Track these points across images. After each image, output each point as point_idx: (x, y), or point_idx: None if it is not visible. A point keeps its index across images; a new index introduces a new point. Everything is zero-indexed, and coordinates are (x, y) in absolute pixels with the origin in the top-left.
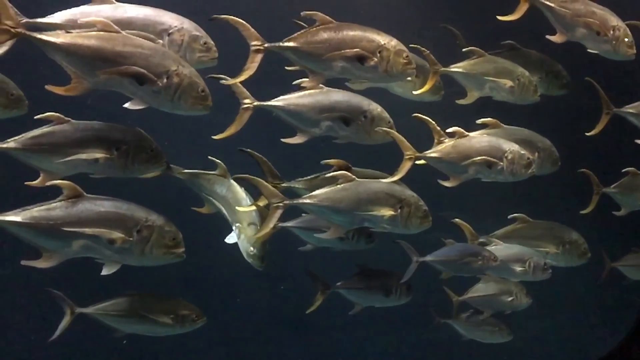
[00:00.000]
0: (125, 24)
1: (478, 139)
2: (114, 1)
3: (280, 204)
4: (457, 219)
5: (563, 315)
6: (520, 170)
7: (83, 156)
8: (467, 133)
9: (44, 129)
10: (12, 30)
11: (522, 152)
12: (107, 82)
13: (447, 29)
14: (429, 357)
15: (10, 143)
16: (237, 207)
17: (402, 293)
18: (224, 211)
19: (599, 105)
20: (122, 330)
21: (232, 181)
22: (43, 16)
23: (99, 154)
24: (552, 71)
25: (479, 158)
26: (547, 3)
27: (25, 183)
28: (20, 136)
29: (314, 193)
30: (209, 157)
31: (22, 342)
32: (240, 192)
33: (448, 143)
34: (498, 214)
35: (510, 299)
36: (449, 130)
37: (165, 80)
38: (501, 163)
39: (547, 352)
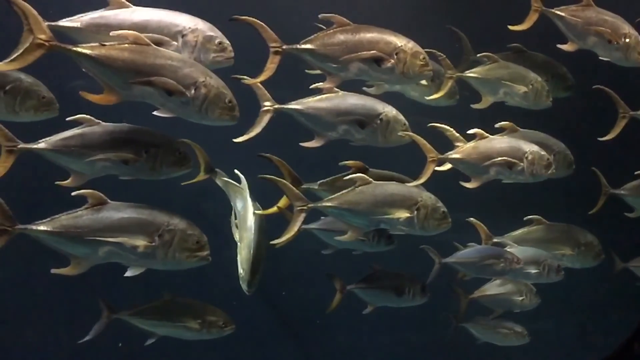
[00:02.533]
0: (141, 27)
1: (498, 140)
2: (130, 5)
3: (305, 207)
4: (472, 219)
5: (565, 316)
6: (540, 171)
7: (112, 156)
8: (487, 134)
9: (75, 131)
10: (47, 43)
11: (542, 152)
12: (137, 93)
13: (453, 31)
14: (430, 357)
15: (41, 144)
16: (256, 211)
17: (416, 294)
18: (234, 225)
19: (600, 107)
20: (155, 333)
21: (248, 199)
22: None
23: (128, 156)
24: (557, 73)
25: (499, 159)
26: (558, 12)
27: (56, 183)
28: (51, 137)
29: (333, 196)
30: (235, 170)
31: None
32: (250, 213)
33: (469, 144)
34: (504, 216)
35: (520, 298)
36: (470, 131)
37: (193, 92)
38: (521, 164)
39: (551, 352)
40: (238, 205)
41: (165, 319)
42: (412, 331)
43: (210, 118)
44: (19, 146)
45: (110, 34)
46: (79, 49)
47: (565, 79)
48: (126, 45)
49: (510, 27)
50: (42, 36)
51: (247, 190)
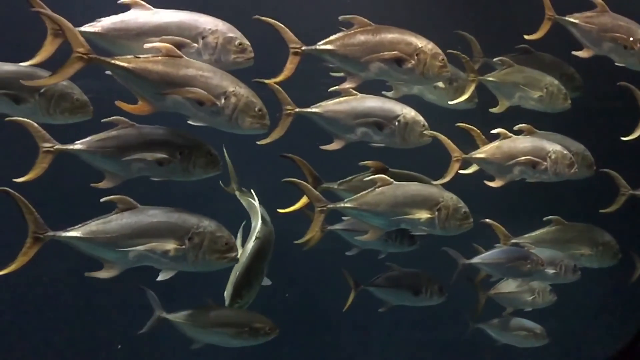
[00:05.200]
0: (162, 30)
1: (521, 139)
2: (151, 7)
3: (324, 208)
4: (487, 220)
5: (569, 315)
6: (563, 170)
7: (148, 156)
8: (510, 134)
9: (110, 132)
10: (85, 56)
11: (565, 152)
12: (170, 104)
13: (460, 35)
14: (435, 356)
15: (78, 145)
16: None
17: (433, 293)
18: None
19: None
20: (199, 341)
21: (259, 220)
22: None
23: (164, 156)
24: (565, 73)
25: (523, 158)
26: (572, 20)
27: (91, 185)
28: (86, 139)
29: (353, 197)
30: (251, 190)
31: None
32: (253, 237)
33: (493, 144)
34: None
35: (531, 297)
36: (494, 131)
37: (223, 101)
38: (545, 163)
39: (553, 353)
40: (253, 223)
41: (213, 326)
42: (416, 330)
43: (240, 127)
44: (55, 147)
45: (145, 46)
46: (116, 62)
47: (573, 79)
48: (159, 57)
49: (526, 37)
50: (81, 49)
51: (258, 214)
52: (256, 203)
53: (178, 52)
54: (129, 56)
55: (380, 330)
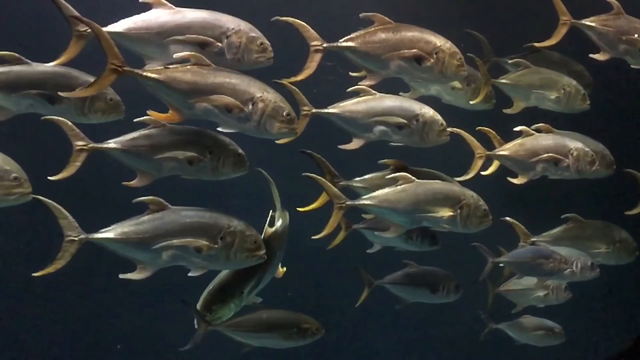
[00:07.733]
0: (185, 29)
1: (543, 137)
2: (173, 6)
3: (343, 205)
4: (507, 218)
5: (573, 313)
6: (585, 167)
7: (179, 154)
8: (532, 132)
9: (142, 132)
10: (120, 69)
11: (586, 149)
12: (199, 112)
13: (471, 35)
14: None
15: (111, 143)
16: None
17: (449, 291)
18: None
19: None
20: (249, 345)
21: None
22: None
23: (194, 155)
24: (574, 71)
25: (545, 155)
26: (588, 23)
27: (123, 183)
28: (119, 137)
29: (374, 194)
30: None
31: None
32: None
33: (515, 141)
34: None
35: (545, 293)
36: (516, 129)
37: (250, 107)
38: (567, 160)
39: (556, 352)
40: None
41: (263, 330)
42: (421, 329)
43: (269, 132)
44: (89, 145)
45: (174, 55)
46: (148, 74)
47: (582, 76)
48: (188, 66)
49: (537, 45)
50: (116, 61)
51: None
52: (275, 226)
53: (206, 60)
54: (159, 67)
55: (381, 329)
